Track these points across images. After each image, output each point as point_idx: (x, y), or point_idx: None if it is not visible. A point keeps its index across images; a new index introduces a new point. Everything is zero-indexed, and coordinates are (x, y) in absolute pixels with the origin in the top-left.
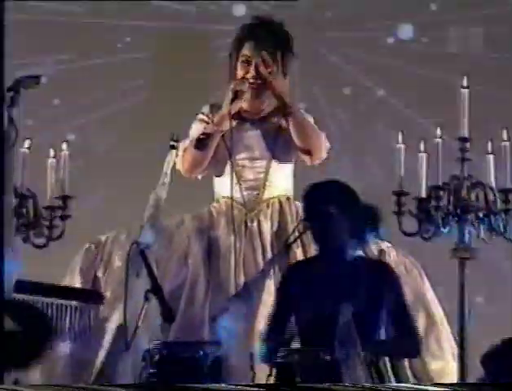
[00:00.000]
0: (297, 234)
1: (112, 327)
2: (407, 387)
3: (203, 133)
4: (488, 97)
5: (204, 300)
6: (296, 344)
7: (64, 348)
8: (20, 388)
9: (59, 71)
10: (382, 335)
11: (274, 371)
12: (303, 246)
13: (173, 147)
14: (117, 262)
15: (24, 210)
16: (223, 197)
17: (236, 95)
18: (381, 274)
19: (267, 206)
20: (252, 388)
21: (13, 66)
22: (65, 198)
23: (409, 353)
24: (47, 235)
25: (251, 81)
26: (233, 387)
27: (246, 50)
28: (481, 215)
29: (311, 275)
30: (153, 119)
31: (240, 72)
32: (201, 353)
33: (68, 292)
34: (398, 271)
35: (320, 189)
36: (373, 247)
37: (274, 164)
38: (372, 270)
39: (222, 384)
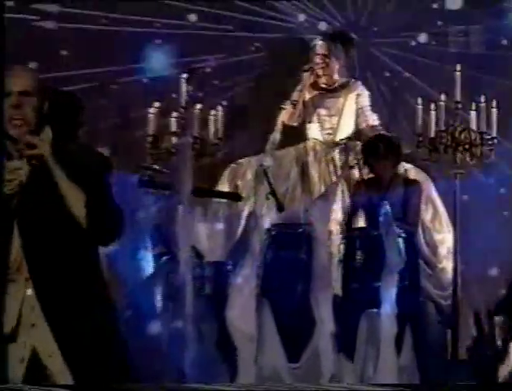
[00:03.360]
0: (355, 162)
1: (245, 214)
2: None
3: (293, 99)
4: (473, 77)
5: (300, 199)
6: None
7: (218, 226)
8: None
9: (218, 65)
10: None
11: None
12: (360, 169)
13: (282, 109)
14: (249, 176)
15: (196, 146)
16: (312, 138)
17: (308, 71)
18: (411, 186)
19: (338, 145)
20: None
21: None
22: (220, 139)
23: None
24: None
25: (319, 61)
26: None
27: (318, 46)
28: (467, 147)
29: (369, 188)
30: (272, 92)
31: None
32: (300, 229)
33: (220, 194)
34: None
35: (373, 141)
36: (401, 168)
37: (343, 118)
38: (405, 183)
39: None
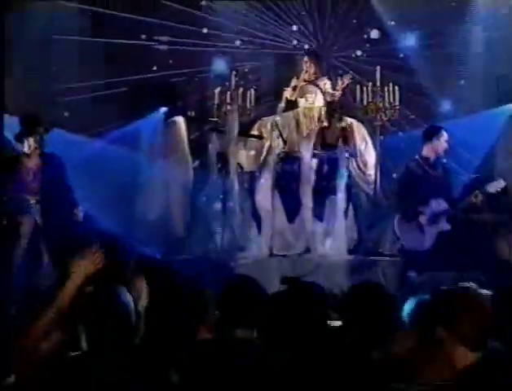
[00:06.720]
0: (324, 117)
1: (266, 146)
2: None
3: (293, 86)
4: (386, 74)
5: (295, 138)
6: None
7: (251, 152)
8: None
9: (251, 67)
10: None
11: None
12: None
13: (285, 91)
14: (268, 126)
15: (239, 110)
16: (301, 106)
17: (302, 72)
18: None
19: (315, 110)
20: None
21: None
22: (252, 106)
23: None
24: (247, 117)
25: (306, 66)
26: None
27: (305, 59)
28: (383, 110)
29: (326, 132)
30: (280, 81)
31: (304, 65)
32: (294, 154)
33: (252, 135)
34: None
35: (327, 106)
36: (348, 121)
37: (317, 96)
38: (343, 130)
39: None
